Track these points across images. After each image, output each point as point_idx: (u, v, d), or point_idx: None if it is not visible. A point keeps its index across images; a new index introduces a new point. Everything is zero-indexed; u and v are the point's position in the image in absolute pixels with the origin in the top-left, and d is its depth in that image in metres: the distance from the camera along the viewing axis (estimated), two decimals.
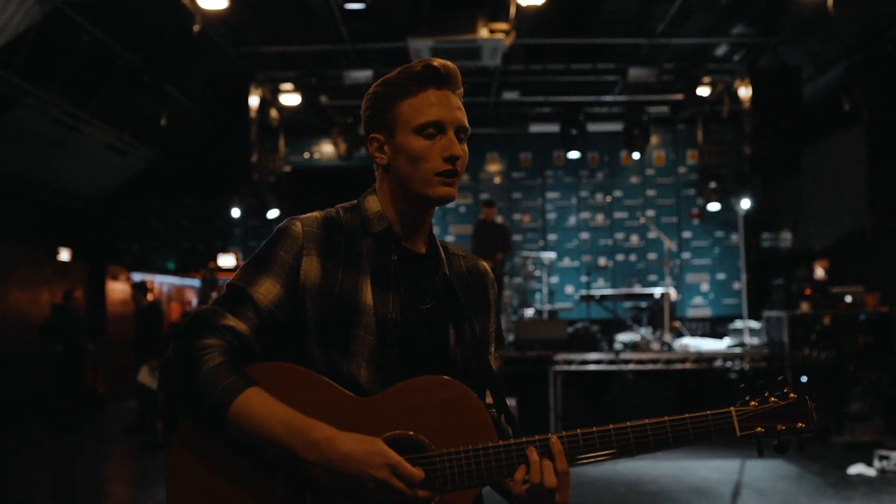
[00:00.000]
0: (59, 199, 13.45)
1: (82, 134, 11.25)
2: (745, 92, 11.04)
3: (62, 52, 9.56)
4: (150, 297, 10.57)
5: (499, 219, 13.17)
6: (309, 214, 1.75)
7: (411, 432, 1.59)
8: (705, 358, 9.78)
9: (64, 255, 13.95)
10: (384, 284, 1.71)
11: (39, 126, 10.53)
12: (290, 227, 1.71)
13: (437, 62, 1.72)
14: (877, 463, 7.30)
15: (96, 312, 13.71)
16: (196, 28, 9.02)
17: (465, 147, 1.74)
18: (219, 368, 1.55)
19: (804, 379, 8.86)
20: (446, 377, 1.62)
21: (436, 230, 1.87)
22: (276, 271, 1.68)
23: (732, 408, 1.63)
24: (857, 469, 7.27)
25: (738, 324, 11.15)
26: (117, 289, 14.13)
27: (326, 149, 14.18)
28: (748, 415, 1.64)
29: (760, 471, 7.51)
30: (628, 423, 1.61)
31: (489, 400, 1.80)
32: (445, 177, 1.69)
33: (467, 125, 1.74)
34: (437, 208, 1.83)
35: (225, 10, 8.87)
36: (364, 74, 11.09)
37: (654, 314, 11.53)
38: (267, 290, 1.66)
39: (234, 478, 1.59)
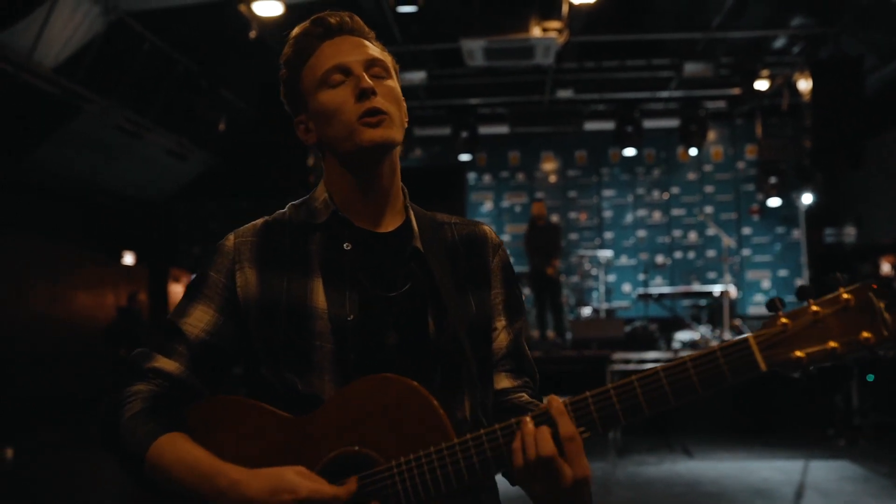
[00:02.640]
0: (123, 204, 13.80)
1: (143, 140, 11.52)
2: (805, 84, 10.80)
3: (124, 60, 9.82)
4: None
5: (553, 218, 13.13)
6: (249, 224, 1.56)
7: (356, 447, 1.36)
8: None
9: (128, 258, 14.32)
10: (337, 281, 1.48)
11: (102, 133, 10.82)
12: (222, 244, 1.54)
13: (326, 13, 1.54)
14: None
15: (159, 315, 14.03)
16: (252, 34, 9.17)
17: (390, 82, 1.52)
18: (136, 418, 1.39)
19: (871, 378, 8.62)
20: (386, 374, 1.38)
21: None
22: (208, 295, 1.50)
23: (749, 334, 1.21)
24: None
25: None
26: (179, 291, 14.44)
27: None
28: (776, 338, 1.20)
29: (824, 471, 7.34)
30: (609, 385, 1.30)
31: (502, 384, 1.58)
32: (367, 117, 1.45)
33: (380, 56, 1.52)
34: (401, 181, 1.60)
35: (280, 16, 9.00)
36: (418, 76, 11.13)
37: (714, 312, 11.36)
38: (197, 318, 1.49)
39: None
